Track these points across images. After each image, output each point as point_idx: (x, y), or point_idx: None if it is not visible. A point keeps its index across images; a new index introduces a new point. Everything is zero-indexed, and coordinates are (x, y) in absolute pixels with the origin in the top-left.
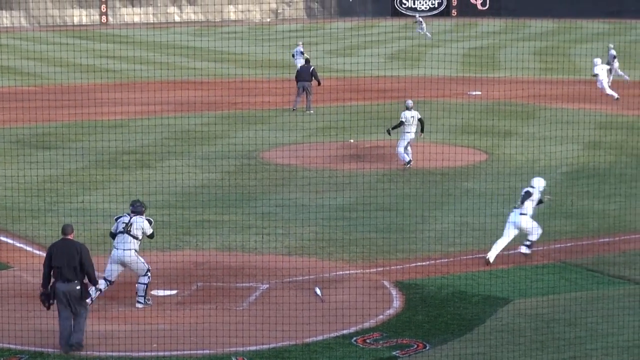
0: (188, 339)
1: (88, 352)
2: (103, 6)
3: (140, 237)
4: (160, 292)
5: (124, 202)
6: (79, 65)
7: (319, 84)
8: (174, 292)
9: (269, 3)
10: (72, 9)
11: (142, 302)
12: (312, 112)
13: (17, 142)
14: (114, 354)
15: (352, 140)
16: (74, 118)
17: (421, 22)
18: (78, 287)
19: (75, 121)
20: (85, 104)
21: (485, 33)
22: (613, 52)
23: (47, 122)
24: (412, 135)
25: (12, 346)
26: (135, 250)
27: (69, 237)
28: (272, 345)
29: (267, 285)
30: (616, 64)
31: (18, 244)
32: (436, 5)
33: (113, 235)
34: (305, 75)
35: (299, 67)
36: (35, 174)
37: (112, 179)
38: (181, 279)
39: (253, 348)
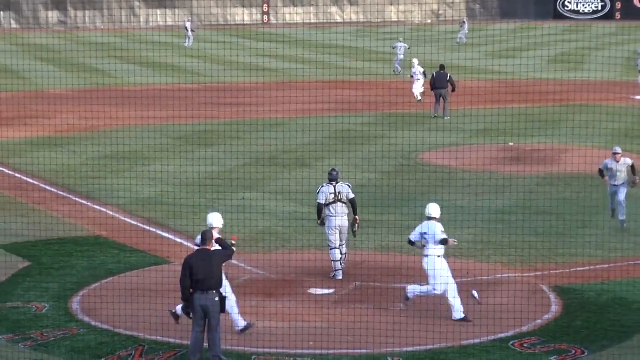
0: (345, 338)
1: (246, 348)
2: (265, 6)
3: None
4: (319, 291)
5: (283, 199)
6: (240, 64)
7: (454, 90)
8: (331, 290)
9: (431, 4)
10: (235, 8)
11: None
12: (448, 117)
13: (180, 138)
14: (272, 350)
15: (511, 143)
16: (235, 116)
17: (464, 25)
18: (217, 299)
19: (237, 119)
20: (247, 102)
21: None
22: None
23: (209, 120)
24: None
25: (170, 340)
26: (347, 217)
27: (207, 246)
28: (428, 347)
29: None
30: None
31: (178, 240)
32: (600, 8)
33: (321, 207)
34: (442, 82)
35: (434, 74)
36: (197, 171)
37: (272, 177)
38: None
39: (410, 349)
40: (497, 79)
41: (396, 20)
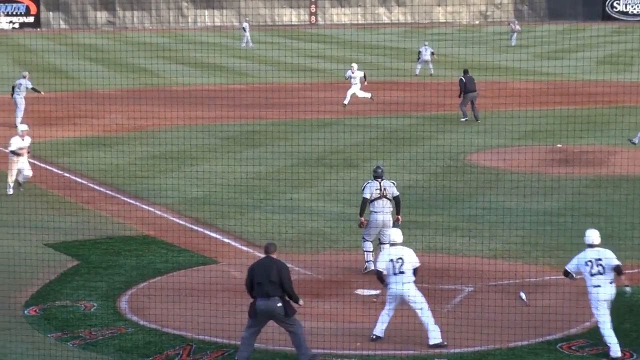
0: (391, 339)
1: (287, 347)
2: (313, 6)
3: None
4: (366, 292)
5: (331, 200)
6: (287, 64)
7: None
8: (377, 291)
9: (478, 5)
10: (283, 8)
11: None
12: (480, 121)
13: (227, 139)
14: (319, 350)
15: (560, 145)
16: (283, 116)
17: (513, 28)
18: (279, 304)
19: (285, 120)
20: (294, 102)
21: None
22: None
23: (257, 120)
24: None
25: (218, 339)
26: (390, 213)
27: (272, 255)
28: (476, 349)
29: (472, 288)
30: None
31: (225, 240)
32: None
33: (366, 202)
34: (473, 85)
35: (463, 78)
36: (245, 171)
37: (319, 178)
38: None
39: (457, 350)
40: (546, 81)
41: (444, 21)
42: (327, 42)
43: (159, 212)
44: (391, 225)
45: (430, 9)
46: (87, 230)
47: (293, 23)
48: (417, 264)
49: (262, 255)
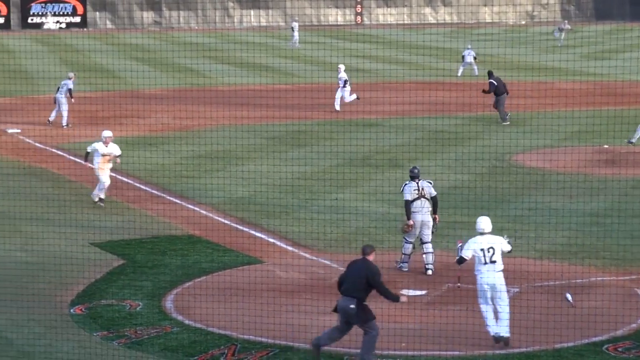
0: (437, 339)
1: (338, 348)
2: (358, 6)
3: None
4: (411, 292)
5: (376, 200)
6: (333, 64)
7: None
8: (423, 292)
9: (525, 5)
10: (328, 8)
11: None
12: (508, 122)
13: (273, 138)
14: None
15: (606, 146)
16: (328, 116)
17: (562, 27)
18: (352, 306)
19: (330, 119)
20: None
21: None
22: None
23: (302, 120)
24: None
25: (263, 339)
26: (429, 213)
27: (368, 257)
28: (522, 350)
29: (518, 289)
30: None
31: (270, 239)
32: None
33: (409, 204)
34: (503, 87)
35: (493, 80)
36: (290, 171)
37: (364, 178)
38: (431, 279)
39: (502, 352)
40: (592, 81)
41: (490, 21)
42: (373, 42)
43: (204, 212)
44: (431, 225)
45: (476, 9)
46: (132, 230)
47: (339, 23)
48: (509, 248)
49: (308, 256)
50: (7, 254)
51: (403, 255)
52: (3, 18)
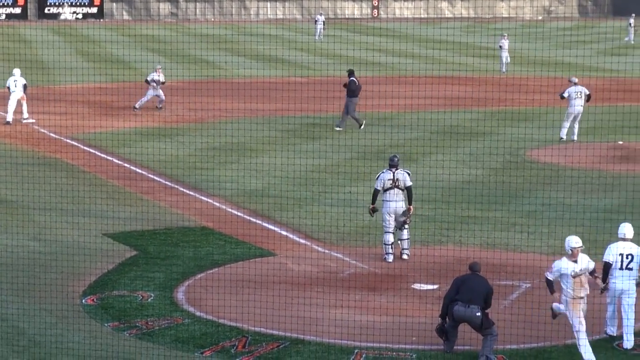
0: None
1: (349, 342)
2: (375, 0)
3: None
4: (422, 286)
5: None
6: (349, 57)
7: None
8: (435, 286)
9: (542, 0)
10: (345, 1)
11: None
12: (341, 129)
13: (287, 131)
14: (374, 344)
15: (621, 142)
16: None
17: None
18: (478, 314)
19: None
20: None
21: None
22: None
23: (317, 113)
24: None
25: (274, 332)
26: (403, 202)
27: (478, 273)
28: (532, 345)
29: (530, 285)
30: None
31: (283, 232)
32: None
33: (376, 193)
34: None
35: (355, 79)
36: (304, 163)
37: (378, 171)
38: (443, 274)
39: (513, 347)
40: (608, 77)
41: (507, 15)
42: (389, 36)
43: (217, 204)
44: (402, 212)
45: (493, 4)
46: (145, 221)
47: (355, 16)
48: None
49: (320, 249)
50: (20, 244)
51: (385, 246)
52: (20, 8)
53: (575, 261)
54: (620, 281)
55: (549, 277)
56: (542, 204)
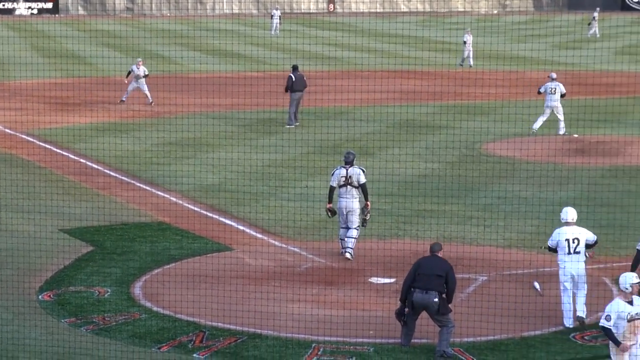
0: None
1: (306, 336)
2: None
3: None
4: (379, 280)
5: None
6: (305, 52)
7: None
8: (392, 280)
9: None
10: None
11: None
12: (294, 125)
13: (243, 126)
14: (332, 338)
15: (576, 135)
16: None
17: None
18: (435, 300)
19: (301, 107)
20: (311, 90)
21: None
22: None
23: (273, 108)
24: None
25: (231, 326)
26: (356, 200)
27: (438, 254)
28: (489, 338)
29: (486, 277)
30: None
31: (240, 227)
32: None
33: (332, 190)
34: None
35: (292, 75)
36: (260, 158)
37: (335, 166)
38: (400, 267)
39: (470, 339)
40: (563, 70)
41: (462, 10)
42: (345, 30)
43: (174, 199)
44: (357, 212)
45: None
46: (102, 216)
47: (311, 11)
48: (595, 238)
49: (277, 243)
50: None
51: (340, 241)
52: None
53: (631, 302)
54: (570, 265)
55: (606, 325)
56: (498, 197)
